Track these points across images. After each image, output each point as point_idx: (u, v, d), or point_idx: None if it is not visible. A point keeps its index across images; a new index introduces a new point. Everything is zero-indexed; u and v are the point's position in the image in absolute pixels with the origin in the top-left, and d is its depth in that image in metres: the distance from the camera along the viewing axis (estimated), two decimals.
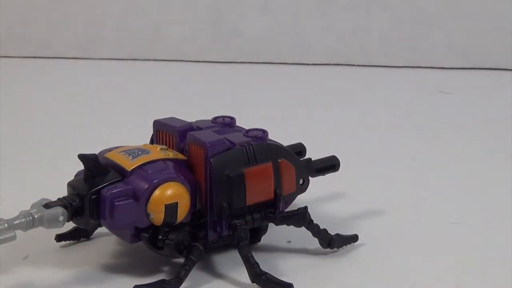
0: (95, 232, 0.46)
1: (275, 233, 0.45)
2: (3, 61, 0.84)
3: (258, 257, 0.41)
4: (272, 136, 0.45)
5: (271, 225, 0.44)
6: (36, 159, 0.59)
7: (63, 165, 0.43)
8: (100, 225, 0.42)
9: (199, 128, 0.44)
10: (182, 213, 0.40)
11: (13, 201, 0.41)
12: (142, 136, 0.47)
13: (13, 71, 0.82)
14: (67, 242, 0.45)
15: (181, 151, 0.43)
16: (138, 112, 0.69)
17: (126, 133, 0.58)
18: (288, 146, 0.47)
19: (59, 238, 0.45)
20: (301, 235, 0.44)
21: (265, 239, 0.45)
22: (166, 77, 0.82)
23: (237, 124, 0.46)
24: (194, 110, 0.58)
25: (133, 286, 0.39)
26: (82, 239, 0.46)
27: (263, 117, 0.67)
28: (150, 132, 0.46)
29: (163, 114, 0.47)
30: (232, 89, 0.78)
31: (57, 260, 0.43)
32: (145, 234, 0.40)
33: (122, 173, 0.40)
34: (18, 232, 0.39)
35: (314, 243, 0.44)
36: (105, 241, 0.45)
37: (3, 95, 0.74)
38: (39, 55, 0.86)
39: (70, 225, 0.43)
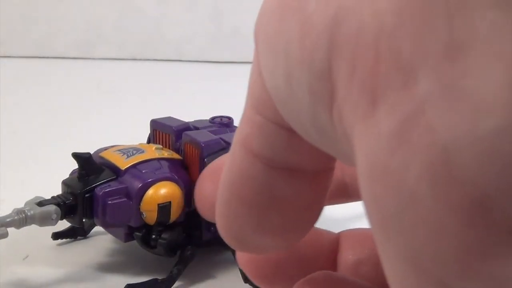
0: (92, 231, 0.46)
1: None
2: (3, 61, 0.84)
3: None
4: None
5: None
6: (36, 158, 0.59)
7: (63, 165, 0.43)
8: (95, 224, 0.42)
9: (196, 128, 0.44)
10: (175, 212, 0.40)
11: (13, 201, 0.41)
12: (142, 136, 0.47)
13: (13, 71, 0.82)
14: (64, 240, 0.45)
15: (177, 150, 0.43)
16: (138, 112, 0.69)
17: (126, 133, 0.58)
18: None
19: (56, 236, 0.45)
20: None
21: None
22: (166, 77, 0.82)
23: (237, 124, 0.46)
24: (194, 110, 0.58)
25: (125, 284, 0.39)
26: (79, 237, 0.46)
27: None
28: (149, 131, 0.46)
29: (162, 114, 0.47)
30: (232, 89, 0.78)
31: (53, 259, 0.43)
32: (138, 233, 0.40)
33: (116, 172, 0.40)
34: (19, 232, 0.39)
35: None
36: (101, 240, 0.45)
37: (3, 95, 0.74)
38: (39, 55, 0.86)
39: (67, 223, 0.43)
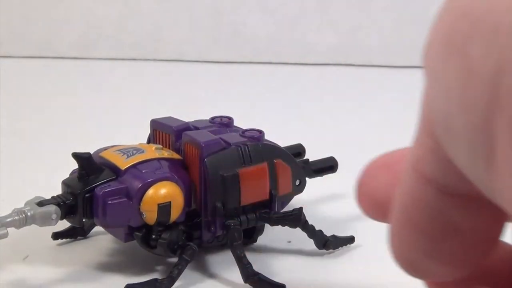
0: (92, 231, 0.46)
1: (275, 233, 0.45)
2: (3, 61, 0.84)
3: (255, 257, 0.41)
4: (271, 136, 0.45)
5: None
6: (36, 158, 0.59)
7: (63, 165, 0.43)
8: (95, 224, 0.42)
9: (196, 128, 0.44)
10: (175, 212, 0.40)
11: (13, 201, 0.41)
12: (141, 135, 0.47)
13: (13, 71, 0.82)
14: (64, 240, 0.45)
15: (177, 150, 0.43)
16: (138, 112, 0.69)
17: (126, 133, 0.58)
18: (287, 147, 0.47)
19: (56, 236, 0.45)
20: (302, 235, 0.44)
21: (265, 239, 0.45)
22: (166, 77, 0.82)
23: (237, 124, 0.46)
24: (194, 110, 0.58)
25: (125, 284, 0.39)
26: (79, 237, 0.46)
27: (263, 117, 0.67)
28: (149, 131, 0.46)
29: (162, 114, 0.47)
30: (232, 89, 0.78)
31: (53, 259, 0.44)
32: (138, 233, 0.40)
33: (116, 172, 0.40)
34: (19, 232, 0.39)
35: (314, 243, 0.44)
36: (101, 240, 0.45)
37: (3, 95, 0.74)
38: (39, 55, 0.86)
39: (67, 223, 0.43)
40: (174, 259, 0.41)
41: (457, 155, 0.14)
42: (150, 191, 0.39)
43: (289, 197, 0.45)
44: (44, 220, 0.38)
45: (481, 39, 0.13)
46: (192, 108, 0.70)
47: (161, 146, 0.43)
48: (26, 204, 0.39)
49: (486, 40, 0.13)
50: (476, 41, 0.13)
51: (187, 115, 0.47)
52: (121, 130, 0.64)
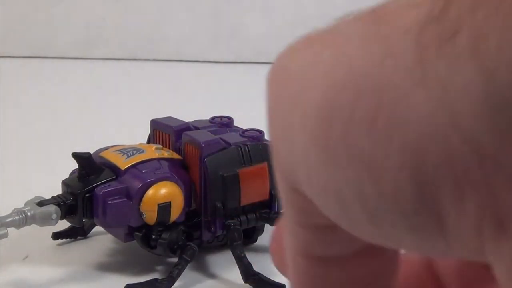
0: (92, 231, 0.46)
1: None
2: (3, 61, 0.84)
3: (255, 257, 0.41)
4: None
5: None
6: (36, 158, 0.59)
7: (63, 165, 0.43)
8: (95, 224, 0.42)
9: (196, 128, 0.44)
10: (175, 212, 0.40)
11: (13, 201, 0.41)
12: (142, 136, 0.47)
13: (13, 71, 0.82)
14: (64, 240, 0.45)
15: (177, 150, 0.43)
16: (137, 112, 0.69)
17: (126, 132, 0.58)
18: None
19: (56, 236, 0.45)
20: None
21: (265, 239, 0.45)
22: (166, 77, 0.82)
23: (237, 124, 0.46)
24: (194, 110, 0.58)
25: (125, 284, 0.39)
26: (78, 237, 0.46)
27: (263, 117, 0.67)
28: (149, 131, 0.46)
29: (162, 114, 0.47)
30: (232, 89, 0.78)
31: (53, 259, 0.44)
32: (138, 233, 0.40)
33: (116, 172, 0.40)
34: (19, 232, 0.39)
35: None
36: (101, 240, 0.45)
37: (3, 95, 0.74)
38: (39, 55, 0.86)
39: (67, 223, 0.43)
40: (174, 259, 0.41)
41: (384, 240, 0.13)
42: (150, 191, 0.39)
43: None
44: (44, 220, 0.38)
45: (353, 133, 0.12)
46: (192, 108, 0.70)
47: (161, 146, 0.43)
48: (26, 204, 0.39)
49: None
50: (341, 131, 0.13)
51: (187, 115, 0.47)
52: (121, 130, 0.64)
